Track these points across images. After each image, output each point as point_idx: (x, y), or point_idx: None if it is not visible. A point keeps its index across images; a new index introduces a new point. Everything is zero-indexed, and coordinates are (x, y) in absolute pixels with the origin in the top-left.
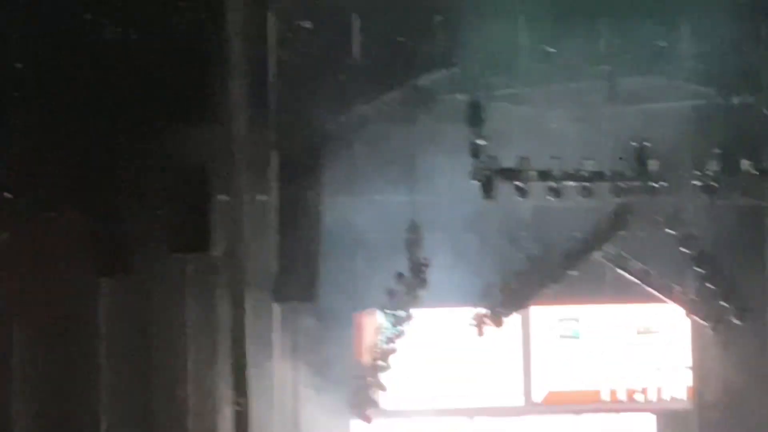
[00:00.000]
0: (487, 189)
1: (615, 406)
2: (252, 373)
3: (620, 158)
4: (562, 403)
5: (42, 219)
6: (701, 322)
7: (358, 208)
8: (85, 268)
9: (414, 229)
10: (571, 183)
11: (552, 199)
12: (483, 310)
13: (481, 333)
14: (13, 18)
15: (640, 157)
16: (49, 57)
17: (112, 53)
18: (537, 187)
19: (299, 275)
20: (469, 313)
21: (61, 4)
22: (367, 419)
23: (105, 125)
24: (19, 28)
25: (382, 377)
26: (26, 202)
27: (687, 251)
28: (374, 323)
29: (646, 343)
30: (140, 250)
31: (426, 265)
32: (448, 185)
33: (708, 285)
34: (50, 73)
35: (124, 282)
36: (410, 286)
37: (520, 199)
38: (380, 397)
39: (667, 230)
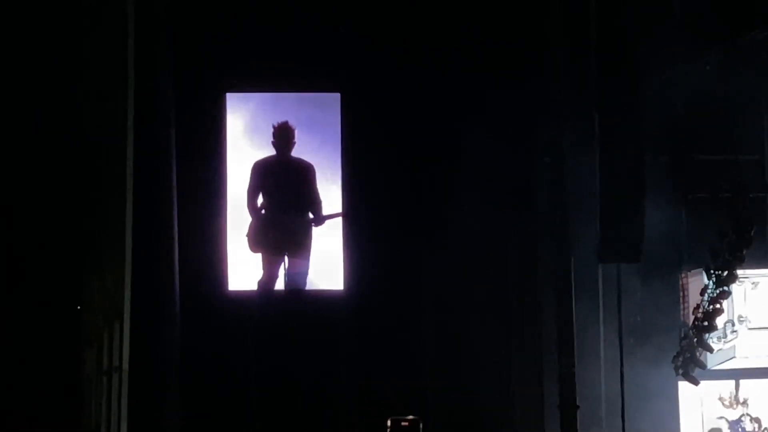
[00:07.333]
0: None
1: None
2: (577, 333)
3: None
4: None
5: None
6: None
7: (680, 167)
8: None
9: (738, 187)
10: None
11: None
12: None
13: None
14: None
15: None
16: None
17: None
18: None
19: (623, 235)
20: None
21: None
22: (694, 381)
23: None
24: None
25: (708, 338)
26: None
27: None
28: (699, 284)
29: None
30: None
31: (751, 224)
32: None
33: None
34: None
35: None
36: (733, 245)
37: None
38: (707, 358)
39: None
